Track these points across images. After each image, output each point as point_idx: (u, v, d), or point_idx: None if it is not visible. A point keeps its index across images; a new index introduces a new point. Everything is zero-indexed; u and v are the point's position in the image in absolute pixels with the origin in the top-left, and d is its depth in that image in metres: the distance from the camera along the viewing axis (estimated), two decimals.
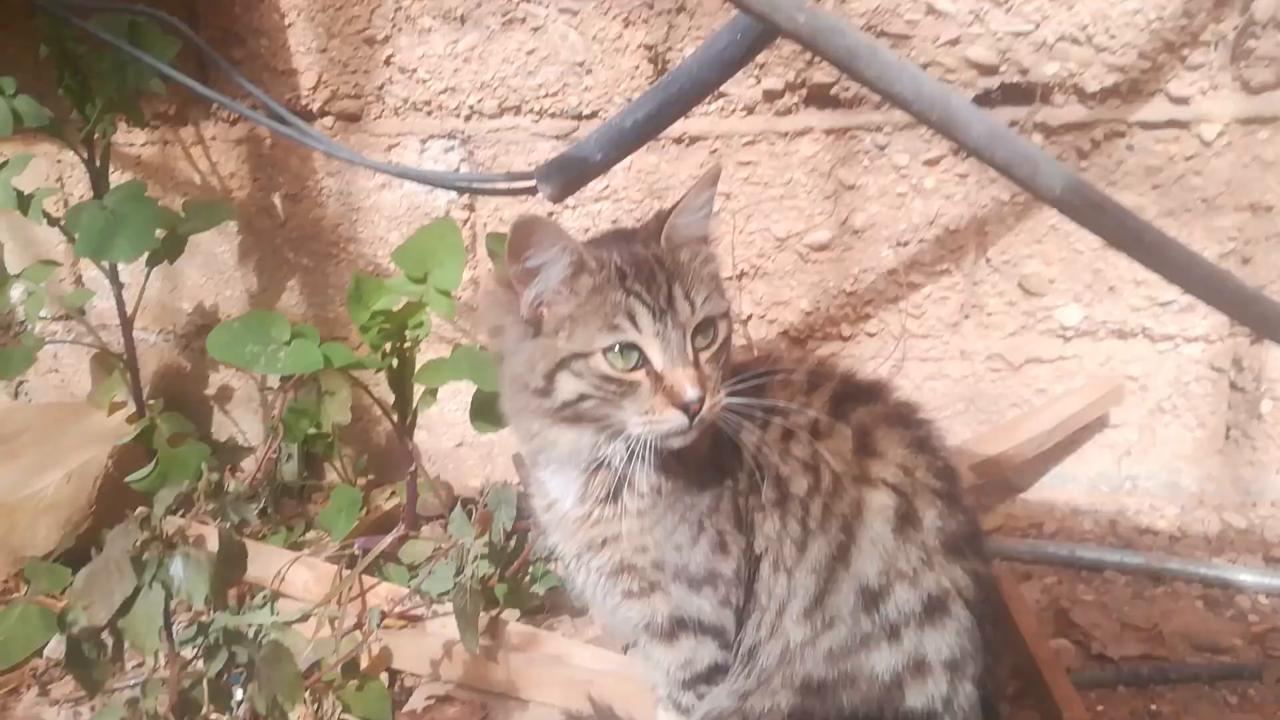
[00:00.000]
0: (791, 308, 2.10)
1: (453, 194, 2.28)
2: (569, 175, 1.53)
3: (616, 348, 1.17)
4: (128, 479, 2.08)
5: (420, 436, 2.45)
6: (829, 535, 1.24)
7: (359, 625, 1.78)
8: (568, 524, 1.34)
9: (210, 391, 2.59)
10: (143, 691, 1.26)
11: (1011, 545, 1.91)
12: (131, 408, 2.35)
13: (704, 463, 1.27)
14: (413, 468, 1.84)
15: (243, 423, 2.58)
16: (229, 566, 1.21)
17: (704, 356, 1.20)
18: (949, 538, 1.23)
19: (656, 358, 1.17)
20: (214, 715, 1.31)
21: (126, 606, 1.12)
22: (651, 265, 1.21)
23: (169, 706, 1.25)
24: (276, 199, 2.42)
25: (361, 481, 2.34)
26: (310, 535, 2.23)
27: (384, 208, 2.32)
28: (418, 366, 1.78)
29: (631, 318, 1.17)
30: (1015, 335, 2.01)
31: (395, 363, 1.73)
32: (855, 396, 1.33)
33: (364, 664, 1.72)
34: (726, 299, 1.26)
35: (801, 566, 1.24)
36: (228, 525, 1.32)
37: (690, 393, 1.14)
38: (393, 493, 2.27)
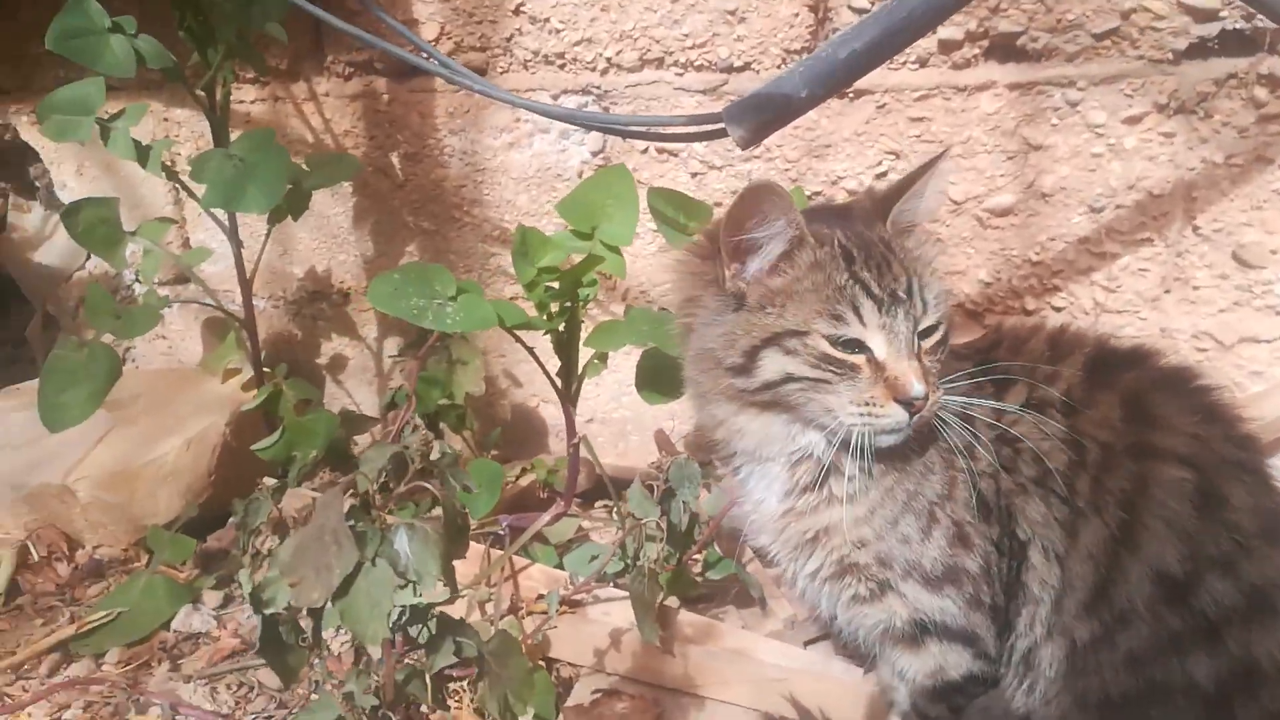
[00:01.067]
0: (968, 278, 1.93)
1: (586, 154, 2.14)
2: (766, 115, 1.35)
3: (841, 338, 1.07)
4: (254, 446, 1.97)
5: (549, 411, 2.32)
6: (1105, 514, 1.07)
7: (513, 609, 1.66)
8: (773, 522, 1.21)
9: (322, 360, 2.47)
10: (355, 683, 1.13)
11: None
12: (246, 374, 2.24)
13: (925, 442, 1.13)
14: (576, 440, 1.70)
15: (357, 394, 2.46)
16: (455, 541, 1.07)
17: (923, 348, 1.09)
18: (1267, 519, 1.06)
19: (880, 349, 1.06)
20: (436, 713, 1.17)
21: (346, 585, 0.97)
22: (882, 251, 1.10)
23: (386, 703, 1.11)
24: (395, 158, 2.29)
25: (489, 454, 2.21)
26: (437, 511, 2.11)
27: (512, 168, 2.18)
28: (584, 329, 1.64)
29: (856, 309, 1.06)
30: (1227, 312, 1.82)
31: (562, 325, 1.58)
32: (1116, 363, 1.17)
33: None
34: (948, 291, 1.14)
35: (1074, 553, 1.08)
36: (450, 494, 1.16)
37: (916, 388, 1.03)
38: (524, 469, 2.14)
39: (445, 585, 1.05)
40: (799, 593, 1.28)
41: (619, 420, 2.25)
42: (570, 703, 1.55)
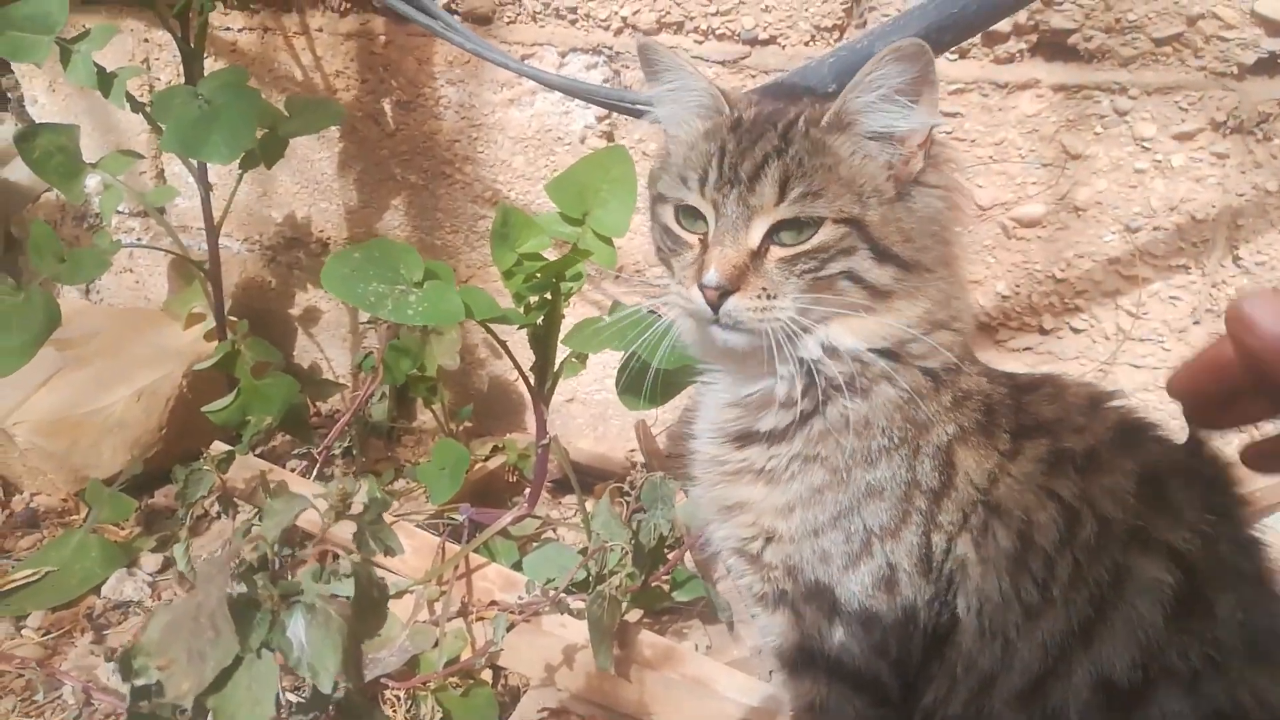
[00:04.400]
0: (985, 288, 1.79)
1: (591, 119, 1.99)
2: None
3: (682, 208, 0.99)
4: (205, 409, 1.84)
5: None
6: (1073, 607, 0.91)
7: (463, 612, 1.55)
8: (704, 464, 1.08)
9: (295, 311, 2.34)
10: None
11: None
12: (210, 321, 2.11)
13: (883, 450, 0.97)
14: (546, 440, 1.57)
15: (329, 349, 2.33)
16: (366, 620, 0.90)
17: (777, 254, 0.93)
18: (1254, 636, 0.89)
19: (710, 225, 0.96)
20: None
21: (223, 679, 0.81)
22: (767, 130, 0.96)
23: None
24: (386, 105, 2.14)
25: (459, 429, 2.09)
26: (399, 485, 1.99)
27: (509, 126, 2.03)
28: (564, 324, 1.49)
29: (702, 175, 0.96)
30: None
31: (541, 319, 1.44)
32: (1147, 431, 1.02)
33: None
34: (867, 206, 0.94)
35: (1027, 637, 0.92)
36: (366, 559, 0.99)
37: (709, 275, 0.91)
38: (496, 447, 2.01)
39: (346, 681, 0.89)
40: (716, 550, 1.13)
41: (600, 403, 2.12)
42: (513, 718, 1.44)
